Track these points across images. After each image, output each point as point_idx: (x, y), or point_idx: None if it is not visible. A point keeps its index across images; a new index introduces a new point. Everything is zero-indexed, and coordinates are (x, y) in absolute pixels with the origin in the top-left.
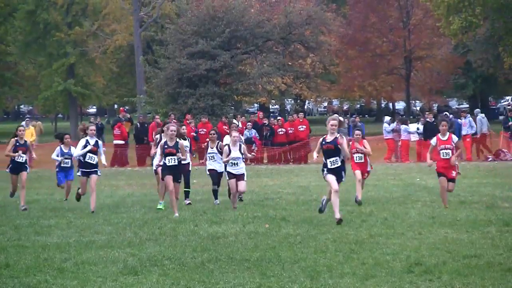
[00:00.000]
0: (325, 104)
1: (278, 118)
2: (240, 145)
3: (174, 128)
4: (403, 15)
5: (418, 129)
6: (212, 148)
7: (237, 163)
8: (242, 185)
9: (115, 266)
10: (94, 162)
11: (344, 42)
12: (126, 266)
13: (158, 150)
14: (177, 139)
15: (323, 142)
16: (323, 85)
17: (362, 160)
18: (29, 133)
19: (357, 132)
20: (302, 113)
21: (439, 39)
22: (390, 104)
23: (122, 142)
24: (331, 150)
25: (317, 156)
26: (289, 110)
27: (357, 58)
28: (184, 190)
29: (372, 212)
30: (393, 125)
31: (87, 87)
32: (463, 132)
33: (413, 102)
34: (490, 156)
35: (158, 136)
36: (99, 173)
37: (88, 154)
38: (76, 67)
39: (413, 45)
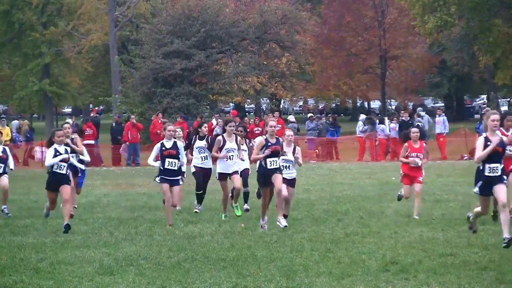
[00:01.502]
0: (301, 103)
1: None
2: (294, 147)
3: (274, 123)
4: (378, 14)
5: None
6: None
7: (289, 166)
8: (290, 191)
9: (91, 266)
10: (176, 168)
11: (319, 41)
12: (102, 266)
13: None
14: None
15: (489, 143)
16: (298, 84)
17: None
18: (5, 133)
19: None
20: (277, 112)
21: (414, 38)
22: (366, 103)
23: (92, 142)
24: (498, 154)
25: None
26: (264, 109)
27: (332, 57)
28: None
29: (348, 211)
30: (365, 126)
31: (62, 87)
32: (437, 131)
33: (388, 101)
34: (466, 155)
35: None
36: (181, 182)
37: (167, 159)
38: (51, 67)
39: (388, 44)
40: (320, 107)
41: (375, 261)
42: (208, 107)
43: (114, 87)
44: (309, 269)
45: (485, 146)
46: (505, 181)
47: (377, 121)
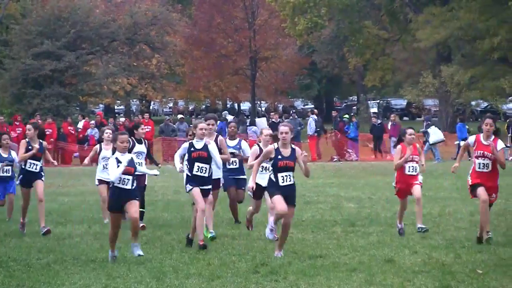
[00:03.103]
0: (171, 104)
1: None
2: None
3: (286, 128)
4: (248, 15)
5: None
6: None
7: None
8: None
9: None
10: (207, 175)
11: (189, 43)
12: None
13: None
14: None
15: None
16: (168, 85)
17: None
18: None
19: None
20: (147, 114)
21: (284, 39)
22: (236, 105)
23: None
24: None
25: None
26: (134, 110)
27: (203, 58)
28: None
29: (217, 213)
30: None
31: None
32: (308, 132)
33: (258, 102)
34: (335, 157)
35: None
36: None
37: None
38: None
39: (259, 45)
40: (190, 108)
41: (245, 262)
42: (78, 108)
43: None
44: (179, 270)
45: None
46: None
47: (248, 122)
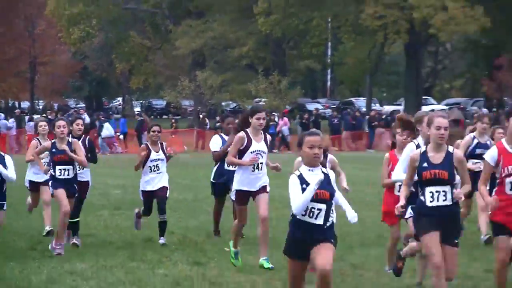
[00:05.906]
0: None
1: None
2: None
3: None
4: (28, 25)
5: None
6: None
7: None
8: None
9: None
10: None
11: None
12: None
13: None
14: None
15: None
16: None
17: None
18: None
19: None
20: None
21: (60, 47)
22: (17, 103)
23: None
24: None
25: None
26: None
27: None
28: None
29: None
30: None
31: None
32: None
33: (37, 101)
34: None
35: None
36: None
37: None
38: None
39: (38, 52)
40: None
41: (24, 242)
42: None
43: None
44: None
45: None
46: None
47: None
